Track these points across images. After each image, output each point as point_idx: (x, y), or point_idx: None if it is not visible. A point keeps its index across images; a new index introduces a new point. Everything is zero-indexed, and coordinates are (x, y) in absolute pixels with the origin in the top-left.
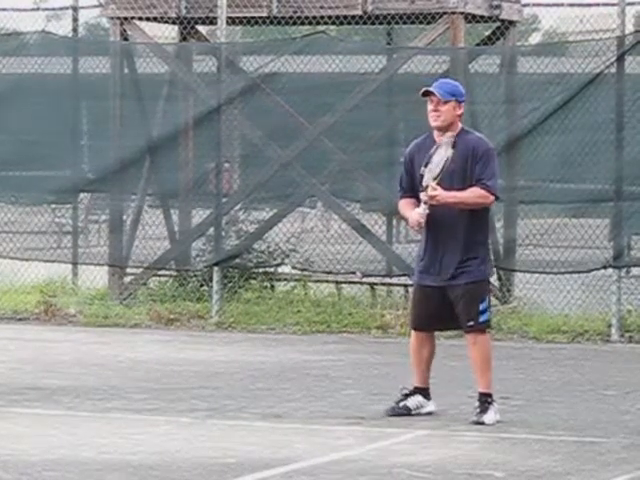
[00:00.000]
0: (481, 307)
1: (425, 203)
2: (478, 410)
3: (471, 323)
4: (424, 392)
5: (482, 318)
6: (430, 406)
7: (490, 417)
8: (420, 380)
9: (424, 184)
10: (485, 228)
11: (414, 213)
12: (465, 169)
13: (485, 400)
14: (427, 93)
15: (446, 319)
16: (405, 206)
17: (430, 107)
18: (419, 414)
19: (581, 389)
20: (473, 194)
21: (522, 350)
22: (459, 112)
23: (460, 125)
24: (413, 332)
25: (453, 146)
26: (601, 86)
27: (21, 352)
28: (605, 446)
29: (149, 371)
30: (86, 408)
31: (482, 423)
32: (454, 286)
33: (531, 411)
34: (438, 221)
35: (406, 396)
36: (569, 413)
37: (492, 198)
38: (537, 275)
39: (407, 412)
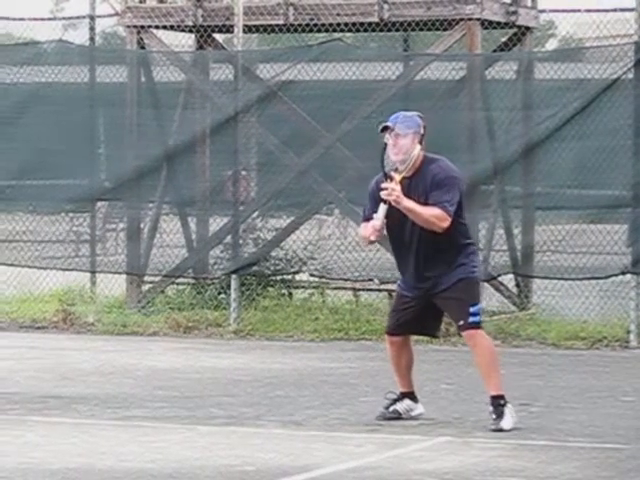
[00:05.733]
0: (472, 309)
1: (384, 202)
2: (494, 416)
3: (461, 322)
4: (411, 396)
5: (472, 319)
6: (419, 408)
7: (507, 421)
8: (404, 385)
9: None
10: (457, 236)
11: (372, 221)
12: (427, 200)
13: (498, 403)
14: (385, 129)
15: (424, 324)
16: (364, 226)
17: (390, 142)
18: (410, 417)
19: (600, 395)
20: (431, 211)
21: (540, 356)
22: (419, 143)
23: (422, 155)
24: (388, 339)
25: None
26: (619, 91)
27: (40, 361)
28: (625, 452)
29: (167, 379)
30: (105, 416)
31: (501, 430)
32: (442, 290)
33: (550, 418)
34: (410, 240)
35: (394, 401)
36: (588, 419)
37: (447, 223)
38: (555, 281)
39: (397, 416)
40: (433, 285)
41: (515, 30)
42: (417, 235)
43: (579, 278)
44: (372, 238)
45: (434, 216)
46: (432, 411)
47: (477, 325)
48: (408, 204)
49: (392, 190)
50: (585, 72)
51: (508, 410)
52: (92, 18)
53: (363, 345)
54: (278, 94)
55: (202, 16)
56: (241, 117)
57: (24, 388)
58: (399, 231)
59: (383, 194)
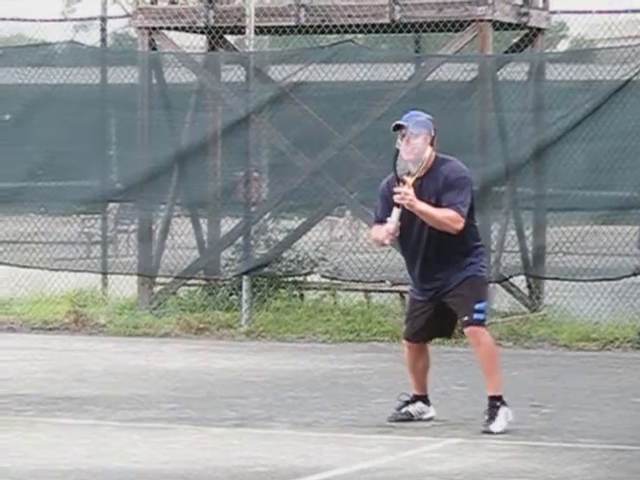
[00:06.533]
0: (477, 306)
1: (397, 206)
2: (486, 417)
3: (465, 318)
4: (424, 399)
5: (476, 315)
6: (431, 412)
7: (498, 424)
8: (418, 388)
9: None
10: (468, 238)
11: (386, 224)
12: (438, 201)
13: (494, 404)
14: (398, 127)
15: (439, 327)
16: (378, 229)
17: (402, 142)
18: (421, 419)
19: (612, 397)
20: (445, 213)
21: (552, 358)
22: (430, 145)
23: (434, 156)
24: (406, 344)
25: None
26: (630, 93)
27: (51, 362)
28: (637, 454)
29: (179, 380)
30: (117, 418)
31: (489, 432)
32: (450, 289)
33: (562, 419)
34: (418, 241)
35: (407, 403)
36: (600, 421)
37: (461, 225)
38: (567, 283)
39: (409, 418)
40: (442, 285)
41: (526, 31)
42: (426, 236)
43: (590, 279)
44: (386, 242)
45: (448, 218)
46: (443, 412)
47: (481, 322)
48: (421, 207)
49: (405, 194)
50: (597, 73)
51: (503, 412)
52: (103, 19)
53: (374, 346)
54: (290, 95)
55: (214, 17)
56: (253, 118)
57: (36, 389)
58: (408, 232)
59: (396, 198)
